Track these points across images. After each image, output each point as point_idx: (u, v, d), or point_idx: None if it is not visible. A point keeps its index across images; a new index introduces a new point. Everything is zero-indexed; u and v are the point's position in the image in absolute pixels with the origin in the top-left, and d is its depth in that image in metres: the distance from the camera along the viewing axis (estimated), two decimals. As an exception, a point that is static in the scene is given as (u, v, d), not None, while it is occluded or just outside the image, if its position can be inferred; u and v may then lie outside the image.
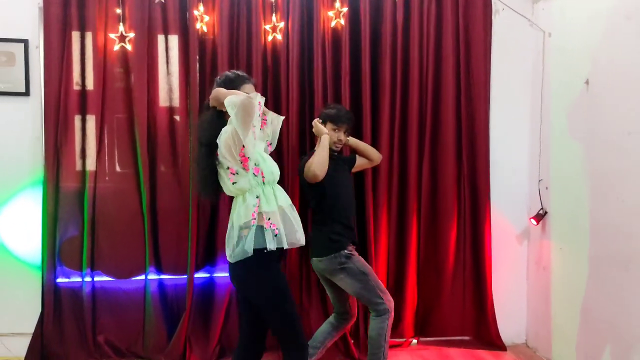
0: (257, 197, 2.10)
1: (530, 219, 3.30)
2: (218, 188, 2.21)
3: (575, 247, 2.95)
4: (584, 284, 2.85)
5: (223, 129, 2.10)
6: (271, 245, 2.07)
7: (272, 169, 2.19)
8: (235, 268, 2.13)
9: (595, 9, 2.73)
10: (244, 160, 2.08)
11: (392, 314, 2.73)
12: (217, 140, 2.09)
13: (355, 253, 2.75)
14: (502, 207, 3.44)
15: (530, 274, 3.45)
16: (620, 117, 2.56)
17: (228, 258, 2.15)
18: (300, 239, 2.19)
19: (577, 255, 2.92)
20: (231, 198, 2.25)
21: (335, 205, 2.72)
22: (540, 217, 3.23)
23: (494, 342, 3.40)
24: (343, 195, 2.77)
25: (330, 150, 2.71)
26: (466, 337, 3.46)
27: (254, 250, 2.06)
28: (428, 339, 3.46)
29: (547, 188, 3.23)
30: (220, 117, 2.15)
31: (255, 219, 2.08)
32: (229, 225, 2.17)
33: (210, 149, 2.14)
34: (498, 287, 3.43)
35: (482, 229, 3.39)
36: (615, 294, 2.60)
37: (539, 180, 3.29)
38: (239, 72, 2.24)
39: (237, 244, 2.09)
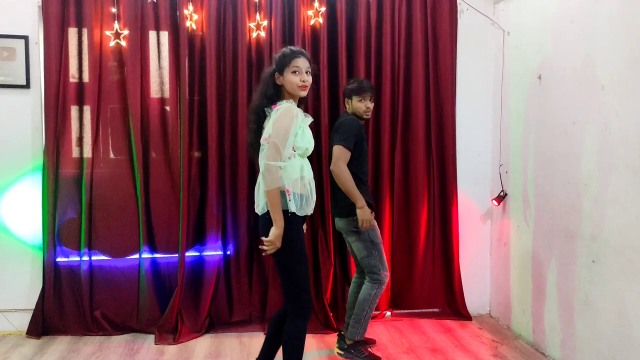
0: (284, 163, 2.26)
1: (492, 200, 3.63)
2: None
3: (529, 224, 3.28)
4: (536, 256, 3.18)
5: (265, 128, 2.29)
6: (286, 207, 2.25)
7: (307, 145, 2.32)
8: (261, 219, 2.34)
9: (546, 12, 3.06)
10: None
11: (384, 287, 3.03)
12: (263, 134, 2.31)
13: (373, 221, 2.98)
14: (468, 190, 3.76)
15: (493, 250, 3.79)
16: (566, 108, 2.89)
17: (256, 209, 2.37)
18: (309, 211, 2.35)
19: (531, 231, 3.25)
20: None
21: (360, 166, 2.96)
22: (501, 198, 3.56)
23: (461, 313, 3.71)
24: (366, 157, 3.03)
25: (362, 119, 3.02)
26: (436, 309, 3.77)
27: None
28: (401, 311, 3.76)
29: (507, 172, 3.56)
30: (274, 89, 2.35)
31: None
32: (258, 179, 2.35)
33: (258, 116, 2.37)
34: (464, 263, 3.75)
35: (450, 210, 3.70)
36: (561, 263, 2.93)
37: (500, 165, 3.62)
38: (293, 47, 2.37)
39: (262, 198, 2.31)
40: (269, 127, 2.26)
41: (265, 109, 2.34)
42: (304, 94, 2.35)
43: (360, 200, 2.87)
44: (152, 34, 3.47)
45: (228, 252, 3.57)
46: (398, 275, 3.75)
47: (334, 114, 3.56)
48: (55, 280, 3.40)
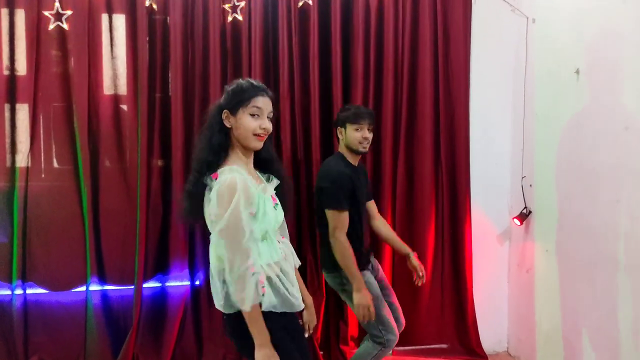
0: None
1: (513, 218, 3.08)
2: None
3: (562, 249, 2.74)
4: (571, 287, 2.64)
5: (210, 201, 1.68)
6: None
7: (267, 226, 1.74)
8: (227, 320, 1.79)
9: (585, -9, 2.52)
10: None
11: (389, 351, 2.50)
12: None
13: (366, 274, 2.49)
14: (483, 206, 3.22)
15: (512, 277, 3.23)
16: (614, 110, 2.35)
17: (216, 305, 1.80)
18: (296, 304, 1.77)
19: (564, 257, 2.71)
20: None
21: (354, 223, 2.47)
22: (523, 216, 3.01)
23: (474, 351, 3.18)
24: (361, 209, 2.54)
25: (358, 152, 2.51)
26: (444, 345, 3.24)
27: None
28: (404, 348, 3.21)
29: (530, 185, 3.01)
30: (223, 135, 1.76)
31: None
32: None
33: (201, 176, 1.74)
34: (478, 292, 3.22)
35: (461, 230, 3.16)
36: (603, 298, 2.40)
37: (522, 177, 3.07)
38: (253, 81, 1.79)
39: None
40: (212, 214, 1.66)
41: (205, 175, 1.72)
42: (258, 145, 1.76)
43: (359, 281, 2.36)
44: (103, 17, 2.88)
45: (197, 282, 2.99)
46: (401, 306, 3.17)
47: (325, 116, 2.99)
48: (-20, 319, 2.76)
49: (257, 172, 1.85)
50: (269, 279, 1.69)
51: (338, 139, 2.57)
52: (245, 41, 2.91)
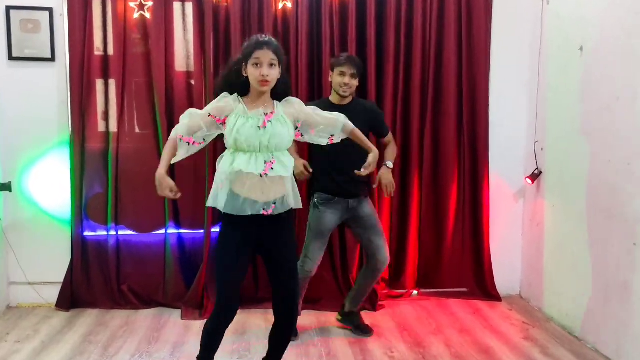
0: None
1: (525, 178, 3.50)
2: None
3: (565, 204, 3.15)
4: (572, 237, 3.06)
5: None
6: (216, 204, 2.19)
7: (234, 138, 2.11)
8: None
9: (590, -24, 2.87)
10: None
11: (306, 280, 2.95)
12: None
13: (333, 207, 2.91)
14: (500, 167, 3.63)
15: (525, 231, 3.67)
16: (610, 82, 2.72)
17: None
18: (248, 211, 2.13)
19: (567, 211, 3.13)
20: None
21: (330, 160, 2.85)
22: (535, 176, 3.43)
23: (490, 293, 3.62)
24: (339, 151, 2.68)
25: (339, 95, 2.85)
26: (464, 289, 3.67)
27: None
28: (428, 290, 3.68)
29: (542, 149, 3.41)
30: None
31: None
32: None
33: None
34: (495, 243, 3.64)
35: (480, 189, 3.58)
36: (600, 246, 2.81)
37: (535, 142, 3.47)
38: (259, 37, 2.16)
39: None
40: None
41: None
42: (265, 89, 2.14)
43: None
44: (176, 5, 3.39)
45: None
46: (426, 254, 3.67)
47: (361, 93, 3.43)
48: (83, 254, 3.42)
49: (274, 101, 2.22)
50: (222, 182, 2.14)
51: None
52: (293, 26, 3.38)
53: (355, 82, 2.87)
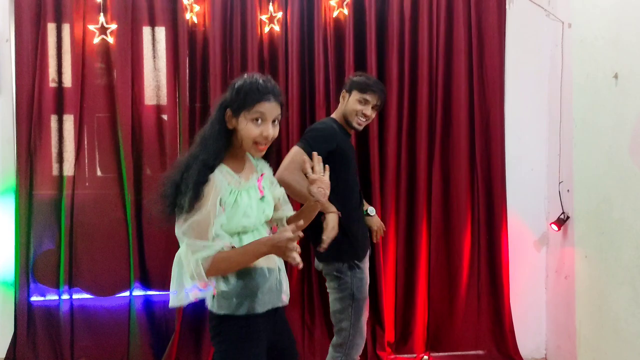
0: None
1: (550, 224, 3.07)
2: None
3: (602, 255, 2.71)
4: (612, 293, 2.61)
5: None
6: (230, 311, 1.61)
7: (244, 223, 1.62)
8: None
9: (622, -5, 2.51)
10: None
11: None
12: None
13: (363, 267, 2.34)
14: (519, 211, 3.21)
15: (550, 283, 3.21)
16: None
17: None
18: (275, 300, 1.67)
19: (605, 262, 2.69)
20: None
21: (349, 196, 2.29)
22: (561, 222, 3.00)
23: (512, 358, 3.16)
24: (355, 179, 2.35)
25: (351, 125, 2.32)
26: (481, 352, 3.22)
27: None
28: (440, 354, 3.21)
29: (568, 190, 3.00)
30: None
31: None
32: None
33: None
34: (515, 298, 3.20)
35: (498, 235, 3.15)
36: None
37: (560, 182, 3.06)
38: (261, 82, 1.60)
39: None
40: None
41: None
42: (258, 155, 1.66)
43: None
44: (145, 30, 2.99)
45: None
46: (437, 312, 3.21)
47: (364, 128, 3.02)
48: (30, 323, 2.91)
49: (253, 160, 1.75)
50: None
51: (338, 102, 2.39)
52: (282, 51, 2.98)
53: (373, 116, 2.37)
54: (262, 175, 1.72)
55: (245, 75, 1.63)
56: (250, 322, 1.59)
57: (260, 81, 1.60)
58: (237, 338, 1.58)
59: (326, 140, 2.18)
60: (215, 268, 1.52)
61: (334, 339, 2.33)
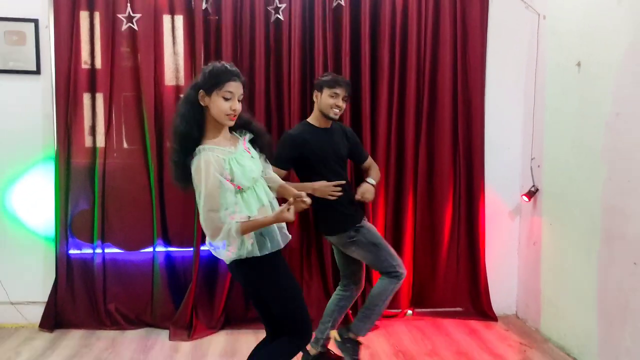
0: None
1: (522, 195, 3.44)
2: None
3: (564, 223, 3.09)
4: (571, 256, 2.99)
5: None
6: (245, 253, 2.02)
7: (247, 181, 1.99)
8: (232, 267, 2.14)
9: (588, -7, 2.83)
10: None
11: (401, 282, 2.76)
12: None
13: (365, 224, 2.77)
14: (496, 185, 3.57)
15: (522, 249, 3.60)
16: (609, 99, 2.67)
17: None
18: (278, 242, 2.07)
19: (566, 230, 3.06)
20: None
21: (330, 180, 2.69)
22: (531, 194, 3.37)
23: (486, 313, 3.55)
24: (333, 168, 2.72)
25: (328, 117, 2.71)
26: (459, 309, 3.61)
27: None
28: (423, 310, 3.60)
29: (539, 166, 3.36)
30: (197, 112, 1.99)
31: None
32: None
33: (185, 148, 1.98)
34: (490, 262, 3.57)
35: (476, 206, 3.52)
36: (600, 266, 2.75)
37: (532, 159, 3.41)
38: (228, 66, 2.00)
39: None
40: (197, 190, 1.94)
41: (182, 146, 1.98)
42: (230, 124, 2.02)
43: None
44: (166, 18, 3.32)
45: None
46: (420, 273, 3.60)
47: (355, 109, 3.40)
48: (68, 273, 3.32)
49: (235, 133, 2.09)
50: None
51: (313, 101, 2.73)
52: (286, 39, 3.32)
53: (345, 105, 2.77)
54: (244, 138, 2.10)
55: (214, 62, 2.03)
56: (271, 257, 2.05)
57: (227, 66, 2.00)
58: (269, 270, 2.06)
59: (286, 151, 2.63)
60: (243, 231, 1.94)
61: (385, 276, 2.72)
